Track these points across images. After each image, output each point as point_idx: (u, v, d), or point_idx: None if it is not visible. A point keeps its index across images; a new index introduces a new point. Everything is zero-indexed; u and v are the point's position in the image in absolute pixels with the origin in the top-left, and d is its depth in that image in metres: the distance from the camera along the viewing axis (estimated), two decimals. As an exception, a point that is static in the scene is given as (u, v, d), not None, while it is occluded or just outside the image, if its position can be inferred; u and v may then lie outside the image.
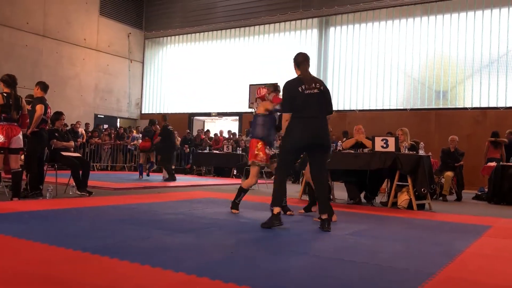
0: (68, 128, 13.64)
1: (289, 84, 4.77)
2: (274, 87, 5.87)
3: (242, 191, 5.79)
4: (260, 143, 5.60)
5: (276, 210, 4.61)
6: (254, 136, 5.71)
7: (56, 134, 7.27)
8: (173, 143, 11.64)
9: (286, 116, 4.71)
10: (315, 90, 4.64)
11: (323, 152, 4.75)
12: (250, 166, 5.77)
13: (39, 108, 6.39)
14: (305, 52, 4.94)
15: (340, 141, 9.55)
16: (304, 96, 4.60)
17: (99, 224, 4.47)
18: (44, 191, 6.64)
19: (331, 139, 6.22)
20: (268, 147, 5.63)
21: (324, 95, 4.69)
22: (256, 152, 5.60)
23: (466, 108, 13.80)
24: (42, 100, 6.54)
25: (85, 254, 3.10)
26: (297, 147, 4.71)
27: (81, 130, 14.89)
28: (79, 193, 6.99)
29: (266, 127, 5.64)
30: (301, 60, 4.82)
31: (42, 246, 3.30)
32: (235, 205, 5.78)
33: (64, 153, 7.19)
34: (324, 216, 4.59)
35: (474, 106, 13.72)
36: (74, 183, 7.09)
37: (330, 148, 4.90)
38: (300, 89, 4.63)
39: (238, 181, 11.90)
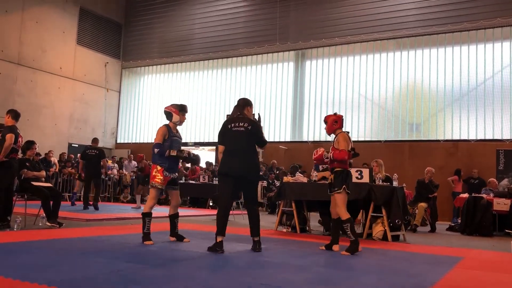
0: (40, 157, 13.37)
1: (224, 123, 5.49)
2: (180, 107, 5.95)
3: (146, 217, 5.61)
4: (159, 167, 5.66)
5: (219, 238, 5.09)
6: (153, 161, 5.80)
7: (27, 164, 7.10)
8: (89, 170, 11.07)
9: (220, 148, 5.35)
10: (241, 128, 5.30)
11: (250, 184, 5.39)
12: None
13: (9, 138, 6.23)
14: (244, 98, 5.64)
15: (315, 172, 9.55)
16: (232, 132, 5.30)
17: (67, 257, 4.34)
18: (12, 222, 6.42)
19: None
20: (167, 172, 5.68)
21: (250, 132, 5.29)
22: (153, 174, 5.72)
23: (438, 141, 14.09)
24: (12, 129, 6.38)
25: (51, 289, 2.99)
26: (225, 178, 5.26)
27: (54, 159, 14.59)
28: (49, 224, 6.80)
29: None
30: (236, 105, 5.52)
31: (5, 281, 3.17)
32: (146, 236, 5.57)
33: (34, 183, 7.02)
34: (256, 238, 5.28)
35: (446, 138, 14.03)
36: (44, 214, 6.89)
37: (256, 180, 5.51)
38: (229, 126, 5.34)
39: (214, 212, 11.76)
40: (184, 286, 3.33)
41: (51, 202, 6.93)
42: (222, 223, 5.13)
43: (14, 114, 6.60)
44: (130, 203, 14.86)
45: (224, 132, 5.36)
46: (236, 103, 5.54)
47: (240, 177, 5.24)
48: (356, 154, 5.66)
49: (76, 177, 12.62)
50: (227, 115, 16.07)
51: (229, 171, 5.23)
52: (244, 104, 5.48)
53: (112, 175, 15.55)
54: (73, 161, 15.36)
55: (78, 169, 12.07)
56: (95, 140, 11.54)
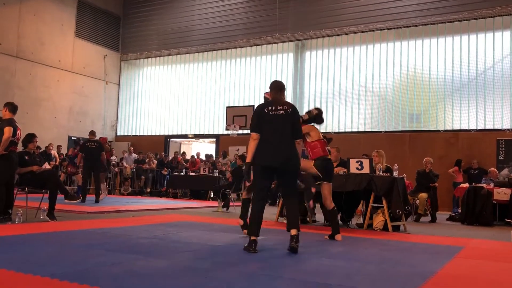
0: (40, 150, 13.36)
1: (258, 107, 4.92)
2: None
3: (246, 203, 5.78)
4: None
5: (252, 237, 4.63)
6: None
7: (26, 157, 7.06)
8: (90, 163, 10.98)
9: (254, 136, 4.72)
10: (281, 112, 4.75)
11: (291, 175, 4.82)
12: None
13: (7, 131, 6.21)
14: (280, 81, 5.09)
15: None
16: (270, 117, 4.72)
17: (69, 249, 4.35)
18: (13, 215, 6.43)
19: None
20: None
21: (289, 116, 4.76)
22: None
23: (439, 131, 14.08)
24: (10, 122, 6.36)
25: (53, 281, 3.00)
26: (264, 170, 4.71)
27: (54, 152, 14.59)
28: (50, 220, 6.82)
29: None
30: (272, 87, 4.96)
31: (7, 273, 3.18)
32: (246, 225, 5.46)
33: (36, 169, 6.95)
34: (294, 232, 4.62)
35: (446, 128, 14.00)
36: (45, 207, 6.88)
37: (295, 169, 4.83)
38: (266, 110, 4.76)
39: (215, 203, 11.79)
40: (185, 277, 3.34)
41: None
42: (257, 222, 4.66)
43: (12, 107, 6.58)
44: (130, 196, 14.89)
45: (261, 117, 4.72)
46: (273, 85, 4.94)
47: (280, 169, 4.70)
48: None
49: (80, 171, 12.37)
50: (227, 108, 16.17)
51: (270, 162, 4.64)
52: (282, 87, 4.95)
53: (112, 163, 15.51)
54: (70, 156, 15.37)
55: (77, 162, 11.99)
56: (92, 133, 11.45)
